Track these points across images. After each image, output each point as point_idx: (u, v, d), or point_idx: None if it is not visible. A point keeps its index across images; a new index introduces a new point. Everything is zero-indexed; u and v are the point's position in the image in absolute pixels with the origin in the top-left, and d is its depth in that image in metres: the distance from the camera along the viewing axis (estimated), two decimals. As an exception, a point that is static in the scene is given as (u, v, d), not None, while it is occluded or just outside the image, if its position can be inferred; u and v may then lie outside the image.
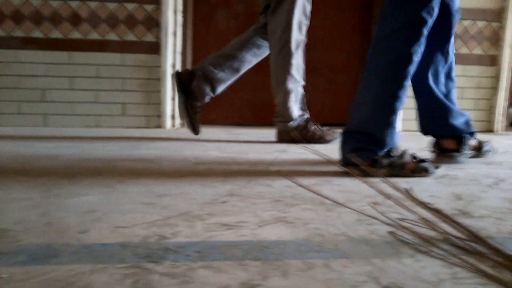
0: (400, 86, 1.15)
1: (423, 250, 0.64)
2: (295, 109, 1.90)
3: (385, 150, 1.18)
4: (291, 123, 1.89)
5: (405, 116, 2.52)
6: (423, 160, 1.22)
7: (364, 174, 1.19)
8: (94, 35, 2.28)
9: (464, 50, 2.60)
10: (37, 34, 2.25)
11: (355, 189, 1.03)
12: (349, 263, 0.59)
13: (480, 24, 2.60)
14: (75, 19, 2.27)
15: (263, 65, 2.67)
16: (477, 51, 2.61)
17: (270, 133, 2.21)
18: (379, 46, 1.18)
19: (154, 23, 2.31)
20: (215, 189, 1.00)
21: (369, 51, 1.21)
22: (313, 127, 1.92)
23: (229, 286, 0.51)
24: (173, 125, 2.39)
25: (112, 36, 2.29)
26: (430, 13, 1.13)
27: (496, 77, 2.64)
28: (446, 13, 1.31)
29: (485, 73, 2.64)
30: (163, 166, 1.27)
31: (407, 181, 1.13)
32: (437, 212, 0.69)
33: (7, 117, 2.27)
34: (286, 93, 1.87)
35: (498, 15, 2.59)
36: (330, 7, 2.68)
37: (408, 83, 1.18)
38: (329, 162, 1.40)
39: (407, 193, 0.77)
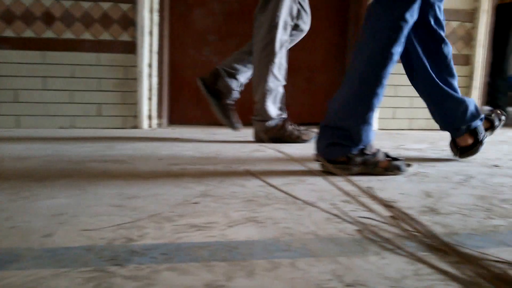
0: (379, 84, 1.17)
1: (388, 248, 0.65)
2: (274, 108, 1.90)
3: (360, 146, 1.20)
4: (268, 122, 1.89)
5: (382, 115, 2.55)
6: (395, 159, 1.24)
7: (337, 171, 1.20)
8: (68, 35, 2.24)
9: (438, 50, 2.64)
10: (8, 33, 2.20)
11: (327, 188, 1.04)
12: (315, 261, 0.59)
13: (454, 24, 2.65)
14: (48, 18, 2.22)
15: (241, 64, 2.68)
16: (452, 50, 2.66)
17: (247, 133, 2.21)
18: (363, 45, 1.20)
19: (129, 22, 2.28)
20: (188, 190, 0.99)
21: (354, 49, 1.23)
22: (290, 127, 1.93)
23: (192, 288, 0.51)
24: (150, 125, 2.36)
25: (86, 36, 2.25)
26: (412, 16, 1.17)
27: (470, 76, 2.69)
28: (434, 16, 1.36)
29: (459, 72, 2.69)
30: (137, 167, 1.26)
31: (380, 179, 1.15)
32: (394, 210, 0.70)
33: (-22, 118, 2.21)
34: (266, 92, 1.87)
35: (470, 16, 2.64)
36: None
37: (387, 82, 1.20)
38: (293, 160, 1.41)
39: (368, 192, 0.78)
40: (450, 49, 1.41)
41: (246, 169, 1.24)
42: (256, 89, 1.91)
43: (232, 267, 0.57)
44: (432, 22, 1.35)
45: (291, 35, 1.98)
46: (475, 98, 2.71)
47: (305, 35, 2.04)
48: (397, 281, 0.54)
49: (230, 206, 0.86)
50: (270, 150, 1.65)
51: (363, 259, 0.61)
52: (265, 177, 1.14)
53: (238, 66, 1.98)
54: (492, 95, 3.28)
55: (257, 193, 0.98)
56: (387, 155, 1.24)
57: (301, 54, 2.71)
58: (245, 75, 2.00)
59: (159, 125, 2.41)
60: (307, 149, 1.69)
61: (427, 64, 1.38)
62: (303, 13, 1.97)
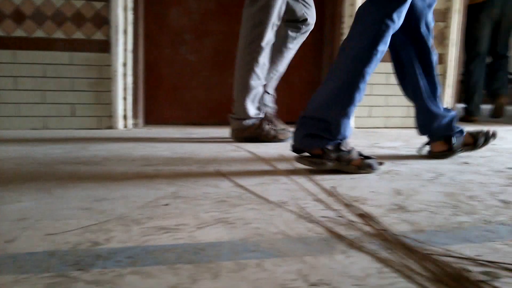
0: (362, 79, 1.19)
1: (355, 246, 0.65)
2: (252, 107, 1.89)
3: (337, 141, 1.21)
4: (246, 121, 1.89)
5: (358, 114, 2.58)
6: (368, 157, 1.26)
7: (311, 164, 1.21)
8: (40, 33, 2.19)
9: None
10: (-23, 31, 2.14)
11: (299, 188, 1.04)
12: (281, 262, 0.59)
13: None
14: (19, 16, 2.16)
15: (218, 63, 2.66)
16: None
17: (224, 132, 2.20)
18: (350, 41, 1.22)
19: (103, 20, 2.24)
20: (159, 191, 0.98)
21: (341, 44, 1.25)
22: (267, 127, 1.93)
23: (156, 292, 0.50)
24: (125, 126, 2.33)
25: (59, 34, 2.20)
26: (399, 17, 1.19)
27: (443, 75, 2.75)
28: (424, 23, 1.40)
29: (433, 71, 2.75)
30: (108, 168, 1.24)
31: (352, 178, 1.16)
32: (357, 210, 0.71)
33: None
34: (246, 89, 1.86)
35: (443, 15, 2.70)
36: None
37: (370, 78, 1.23)
38: (266, 161, 1.41)
39: (331, 192, 0.78)
40: (436, 57, 1.45)
41: (217, 170, 1.23)
42: (236, 87, 1.90)
43: (198, 270, 0.56)
44: (422, 30, 1.40)
45: (302, 32, 1.99)
46: (448, 96, 2.77)
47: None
48: (361, 279, 0.54)
49: (201, 207, 0.85)
50: (245, 150, 1.65)
51: (329, 258, 0.61)
52: (239, 177, 1.14)
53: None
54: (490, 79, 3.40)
55: (230, 193, 0.97)
56: (360, 154, 1.26)
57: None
58: (270, 84, 2.05)
59: (135, 125, 2.38)
60: (283, 148, 1.69)
61: (419, 76, 1.44)
62: (306, 8, 1.97)
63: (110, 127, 2.29)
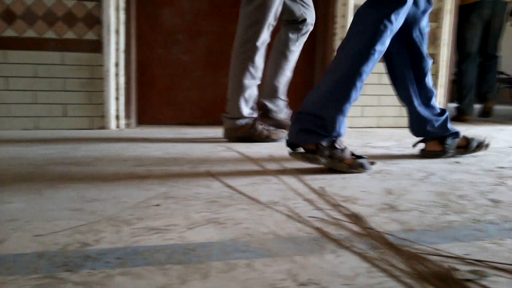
0: (359, 78, 1.21)
1: (345, 246, 0.66)
2: (246, 107, 1.89)
3: (332, 138, 1.22)
4: (239, 121, 1.89)
5: (350, 113, 2.58)
6: (360, 157, 1.26)
7: (304, 159, 1.22)
8: (31, 33, 2.17)
9: (404, 49, 2.70)
10: (-33, 31, 2.12)
11: (291, 187, 1.05)
12: (271, 261, 0.60)
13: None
14: (9, 16, 2.14)
15: (211, 63, 2.66)
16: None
17: (217, 132, 2.20)
18: (349, 40, 1.23)
19: (95, 20, 2.23)
20: (150, 191, 0.98)
21: (340, 44, 1.26)
22: (260, 127, 1.93)
23: (144, 293, 0.50)
24: (118, 126, 2.32)
25: (50, 34, 2.19)
26: (397, 19, 1.21)
27: (435, 75, 2.76)
28: (417, 29, 1.41)
29: (425, 71, 2.76)
30: (100, 169, 1.23)
31: (344, 177, 1.17)
32: (344, 210, 0.72)
33: None
34: (240, 88, 1.85)
35: (435, 15, 2.71)
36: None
37: (367, 77, 1.24)
38: (259, 161, 1.41)
39: (322, 192, 0.79)
40: (429, 64, 1.45)
41: (209, 170, 1.23)
42: (230, 86, 1.89)
43: (188, 270, 0.56)
44: (415, 36, 1.41)
45: (302, 32, 2.00)
46: (440, 96, 2.78)
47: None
48: (350, 279, 0.54)
49: (192, 208, 0.85)
50: (237, 150, 1.65)
51: (319, 258, 0.61)
52: (230, 177, 1.14)
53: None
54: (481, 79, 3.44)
55: (221, 194, 0.97)
56: (352, 153, 1.26)
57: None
58: (282, 90, 2.11)
59: (127, 125, 2.37)
60: (275, 149, 1.70)
61: (409, 82, 1.45)
62: (304, 8, 1.98)
63: (103, 127, 2.28)
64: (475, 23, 3.28)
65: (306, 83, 2.82)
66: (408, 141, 1.95)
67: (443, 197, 0.98)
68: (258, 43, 1.82)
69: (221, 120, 1.96)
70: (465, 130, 2.57)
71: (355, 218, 0.80)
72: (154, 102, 2.61)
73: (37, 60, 2.19)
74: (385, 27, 1.19)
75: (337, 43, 2.56)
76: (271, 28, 1.85)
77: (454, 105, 3.59)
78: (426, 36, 1.44)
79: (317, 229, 0.73)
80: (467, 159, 1.48)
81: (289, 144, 1.27)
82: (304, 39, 2.05)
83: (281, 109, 2.12)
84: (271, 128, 1.96)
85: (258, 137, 1.90)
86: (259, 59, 1.86)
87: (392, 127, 2.69)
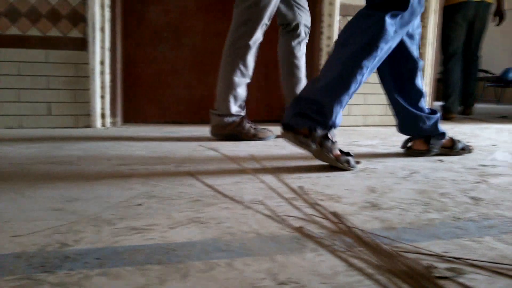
0: (360, 70, 1.22)
1: (326, 244, 0.66)
2: (234, 104, 1.88)
3: (328, 126, 1.23)
4: (227, 118, 1.88)
5: (337, 112, 2.60)
6: (348, 154, 1.27)
7: (296, 141, 1.23)
8: (14, 30, 2.14)
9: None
10: None
11: (275, 186, 1.05)
12: (252, 261, 0.60)
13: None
14: (-8, 13, 2.11)
15: (198, 61, 2.65)
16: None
17: (204, 131, 2.19)
18: (351, 36, 1.24)
19: (80, 18, 2.21)
20: (133, 191, 0.97)
21: (338, 39, 1.28)
22: (248, 125, 1.93)
23: (122, 293, 0.50)
24: (103, 124, 2.30)
25: (34, 32, 2.16)
26: (403, 21, 1.24)
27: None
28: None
29: (410, 69, 2.79)
30: (83, 168, 1.22)
31: (328, 176, 1.17)
32: (322, 209, 0.72)
33: None
34: (230, 85, 1.85)
35: (420, 15, 2.73)
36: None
37: (370, 74, 1.26)
38: (239, 159, 1.41)
39: (298, 192, 0.79)
40: (419, 65, 1.46)
41: (193, 169, 1.23)
42: (219, 82, 1.88)
43: (167, 270, 0.56)
44: (403, 37, 1.43)
45: (301, 37, 2.01)
46: (426, 94, 2.81)
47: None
48: (329, 277, 0.55)
49: (175, 207, 0.85)
50: (223, 149, 1.65)
51: (300, 256, 0.61)
52: (214, 176, 1.14)
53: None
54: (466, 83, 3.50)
55: (205, 193, 0.97)
56: (340, 150, 1.27)
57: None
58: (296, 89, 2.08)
59: (113, 123, 2.35)
60: (261, 147, 1.70)
61: (391, 81, 1.47)
62: (300, 10, 1.98)
63: (88, 126, 2.26)
64: (459, 23, 3.32)
65: (293, 81, 2.82)
66: (393, 139, 1.97)
67: (425, 195, 0.99)
68: (250, 42, 1.82)
69: (208, 119, 1.96)
70: (450, 128, 2.60)
71: (337, 216, 0.80)
72: (140, 101, 2.59)
73: (20, 58, 2.16)
74: (390, 25, 1.21)
75: (324, 41, 2.57)
76: (264, 28, 1.85)
77: (439, 103, 3.63)
78: (418, 37, 1.45)
79: (299, 228, 0.74)
80: (450, 158, 1.50)
81: (283, 125, 1.27)
82: (306, 40, 2.06)
83: None
84: (259, 127, 1.96)
85: (245, 136, 1.90)
86: (251, 57, 1.85)
87: (378, 125, 2.71)
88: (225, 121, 1.88)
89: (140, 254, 0.61)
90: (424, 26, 2.74)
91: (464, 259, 0.61)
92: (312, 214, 0.81)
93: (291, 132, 1.24)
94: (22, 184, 1.01)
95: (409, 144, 1.56)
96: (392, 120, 1.56)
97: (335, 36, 2.55)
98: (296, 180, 1.11)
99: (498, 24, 3.66)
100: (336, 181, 1.11)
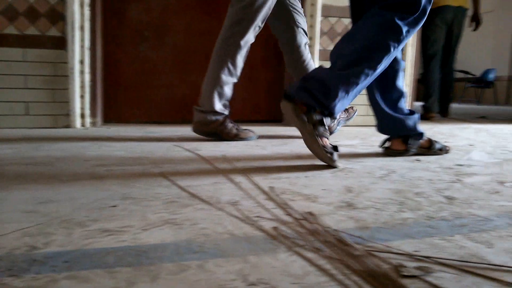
0: (370, 66, 1.25)
1: (299, 245, 0.66)
2: (219, 102, 1.87)
3: (326, 110, 1.25)
4: (210, 116, 1.87)
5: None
6: (335, 148, 1.28)
7: (293, 114, 1.23)
8: (-10, 28, 2.10)
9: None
10: None
11: (252, 187, 1.05)
12: (224, 262, 0.59)
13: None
14: (-33, 10, 2.06)
15: (179, 60, 2.63)
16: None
17: (185, 131, 2.18)
18: (360, 31, 1.28)
19: (58, 16, 2.17)
20: (109, 192, 0.96)
21: (348, 35, 1.30)
22: (230, 125, 1.92)
23: (89, 297, 0.49)
24: (83, 125, 2.27)
25: (11, 30, 2.12)
26: (408, 21, 1.27)
27: (401, 74, 2.82)
28: None
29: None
30: (59, 169, 1.20)
31: (307, 176, 1.18)
32: (294, 212, 0.72)
33: None
34: (216, 82, 1.83)
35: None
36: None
37: (379, 70, 1.28)
38: (218, 160, 1.41)
39: (275, 193, 0.79)
40: (401, 66, 1.49)
41: (172, 170, 1.22)
42: (206, 79, 1.87)
43: (137, 272, 0.55)
44: None
45: (299, 37, 2.00)
46: (406, 95, 2.85)
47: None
48: (300, 278, 0.55)
49: (150, 208, 0.84)
50: (203, 149, 1.64)
51: (272, 257, 0.61)
52: (192, 177, 1.13)
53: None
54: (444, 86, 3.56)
55: (182, 193, 0.96)
56: (330, 143, 1.29)
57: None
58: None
59: (93, 124, 2.32)
60: (242, 147, 1.70)
61: (374, 80, 1.49)
62: (296, 14, 1.99)
63: (67, 126, 2.23)
64: (439, 26, 3.39)
65: (276, 80, 2.84)
66: (373, 139, 1.99)
67: (400, 194, 1.00)
68: (242, 41, 1.82)
69: (190, 119, 1.94)
70: (430, 128, 2.64)
71: (314, 216, 0.80)
72: (121, 100, 2.57)
73: (-3, 57, 2.11)
74: (399, 26, 1.24)
75: (306, 42, 2.58)
76: (257, 30, 1.85)
77: (419, 103, 3.68)
78: None
79: (274, 228, 0.74)
80: (428, 157, 1.52)
81: (285, 94, 1.27)
82: (307, 44, 2.06)
83: None
84: (242, 127, 1.96)
85: (226, 135, 1.90)
86: (240, 58, 1.85)
87: (359, 125, 2.73)
88: (208, 118, 1.87)
89: (111, 257, 0.60)
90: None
91: (433, 257, 0.62)
92: (287, 214, 0.81)
93: (291, 103, 1.24)
94: (-6, 186, 0.99)
95: (387, 144, 1.57)
96: (373, 120, 1.57)
97: (317, 37, 2.56)
98: (275, 181, 1.11)
99: (474, 29, 3.74)
100: (314, 181, 1.12)
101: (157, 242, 0.67)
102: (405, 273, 0.56)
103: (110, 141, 1.78)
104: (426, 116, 3.47)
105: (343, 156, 1.51)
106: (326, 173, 1.23)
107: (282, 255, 0.62)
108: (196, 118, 1.90)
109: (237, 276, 0.55)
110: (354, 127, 2.67)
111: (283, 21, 1.99)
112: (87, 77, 2.25)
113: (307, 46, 2.05)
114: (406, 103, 1.56)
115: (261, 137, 2.03)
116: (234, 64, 1.84)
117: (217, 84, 1.84)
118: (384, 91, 1.50)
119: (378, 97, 1.50)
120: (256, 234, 0.71)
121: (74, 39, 2.17)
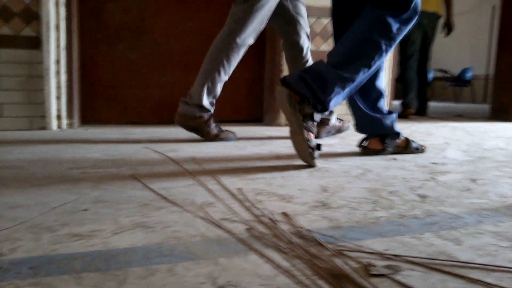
0: (365, 64, 1.29)
1: (270, 246, 0.66)
2: (207, 98, 1.87)
3: (320, 103, 1.26)
4: (196, 110, 1.85)
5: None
6: (319, 147, 1.29)
7: (287, 101, 1.24)
8: (-39, 28, 2.04)
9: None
10: None
11: (227, 188, 1.04)
12: (194, 265, 0.59)
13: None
14: None
15: (157, 61, 2.61)
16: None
17: (164, 132, 2.16)
18: (356, 30, 1.31)
19: (33, 16, 2.12)
20: (81, 195, 0.94)
21: (348, 34, 1.33)
22: (213, 125, 1.91)
23: (53, 304, 0.48)
24: (60, 126, 2.23)
25: (-17, 30, 2.07)
26: (402, 19, 1.31)
27: (380, 74, 2.86)
28: None
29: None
30: (31, 172, 1.17)
31: (283, 176, 1.18)
32: (276, 209, 0.72)
33: None
34: (208, 76, 1.83)
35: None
36: (224, 3, 2.68)
37: (374, 67, 1.31)
38: (195, 162, 1.40)
39: (237, 194, 0.79)
40: (381, 67, 1.53)
41: (147, 172, 1.21)
42: (200, 72, 1.87)
43: (104, 278, 0.55)
44: None
45: (302, 40, 1.99)
46: (386, 95, 2.88)
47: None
48: (270, 279, 0.55)
49: (122, 212, 0.83)
50: (183, 149, 1.63)
51: (243, 259, 0.61)
52: (167, 179, 1.12)
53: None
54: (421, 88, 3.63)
55: (155, 196, 0.95)
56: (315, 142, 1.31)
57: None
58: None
59: (70, 125, 2.28)
60: (221, 148, 1.69)
61: None
62: (301, 18, 1.98)
63: (43, 128, 2.18)
64: (417, 27, 3.47)
65: (256, 80, 2.84)
66: (352, 139, 2.00)
67: (375, 193, 1.01)
68: (239, 40, 1.82)
69: (169, 119, 1.93)
70: (407, 127, 2.68)
71: (287, 216, 0.81)
72: (99, 101, 2.53)
73: (-32, 57, 2.06)
74: (389, 24, 1.28)
75: (285, 42, 2.58)
76: (257, 31, 1.86)
77: (398, 102, 3.74)
78: None
79: (246, 230, 0.73)
80: (404, 156, 1.54)
81: (283, 80, 1.28)
82: (309, 47, 2.06)
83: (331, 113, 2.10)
84: (224, 128, 1.95)
85: (207, 134, 1.89)
86: (235, 56, 1.86)
87: (339, 124, 2.75)
88: (193, 113, 1.86)
89: (78, 262, 0.59)
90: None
91: (402, 256, 0.63)
92: (261, 215, 0.81)
93: (288, 89, 1.25)
94: (-38, 191, 0.96)
95: (365, 143, 1.59)
96: (352, 119, 1.59)
97: (296, 36, 2.56)
98: (251, 181, 1.11)
99: (447, 35, 3.85)
100: (290, 181, 1.12)
101: (128, 246, 0.66)
102: (374, 272, 0.57)
103: (87, 143, 1.75)
104: (405, 113, 3.53)
105: (321, 155, 1.52)
106: (303, 173, 1.23)
107: (252, 256, 0.62)
108: (181, 110, 1.88)
109: (206, 279, 0.55)
110: (334, 126, 2.68)
111: (287, 25, 2.00)
112: (63, 77, 2.21)
113: (309, 50, 2.05)
114: (385, 103, 1.58)
115: (241, 137, 2.03)
116: (228, 62, 1.85)
117: (209, 78, 1.85)
118: (363, 90, 1.51)
119: (356, 96, 1.52)
120: (228, 236, 0.71)
121: (49, 39, 2.12)
